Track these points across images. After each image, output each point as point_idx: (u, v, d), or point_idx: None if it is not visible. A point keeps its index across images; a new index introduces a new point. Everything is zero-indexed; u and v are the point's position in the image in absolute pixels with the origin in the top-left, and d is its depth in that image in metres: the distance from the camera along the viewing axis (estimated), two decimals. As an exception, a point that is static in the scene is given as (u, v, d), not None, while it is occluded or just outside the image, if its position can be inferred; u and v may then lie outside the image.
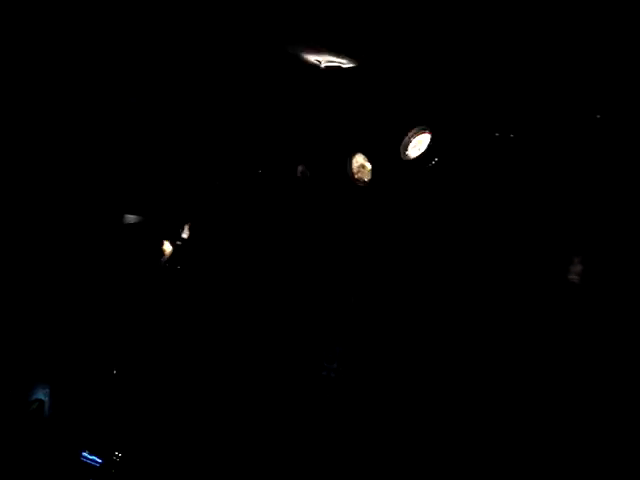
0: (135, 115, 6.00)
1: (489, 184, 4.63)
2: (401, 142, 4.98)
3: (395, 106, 5.10)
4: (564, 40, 4.01)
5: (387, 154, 5.05)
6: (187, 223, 6.67)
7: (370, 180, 5.30)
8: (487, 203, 4.67)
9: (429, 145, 4.88)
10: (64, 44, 5.10)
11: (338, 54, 4.75)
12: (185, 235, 6.74)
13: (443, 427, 4.75)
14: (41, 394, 6.48)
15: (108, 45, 5.10)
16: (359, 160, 5.36)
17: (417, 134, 4.95)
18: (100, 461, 6.14)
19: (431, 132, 4.87)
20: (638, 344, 3.80)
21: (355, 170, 5.37)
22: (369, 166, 5.30)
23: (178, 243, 6.77)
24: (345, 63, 4.87)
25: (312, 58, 4.81)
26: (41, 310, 6.70)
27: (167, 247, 6.76)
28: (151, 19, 4.64)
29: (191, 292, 6.63)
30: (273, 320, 6.05)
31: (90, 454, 6.15)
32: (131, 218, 7.01)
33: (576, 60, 4.09)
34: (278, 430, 5.84)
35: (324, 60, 4.83)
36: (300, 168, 5.81)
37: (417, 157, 4.96)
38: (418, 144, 4.99)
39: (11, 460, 6.08)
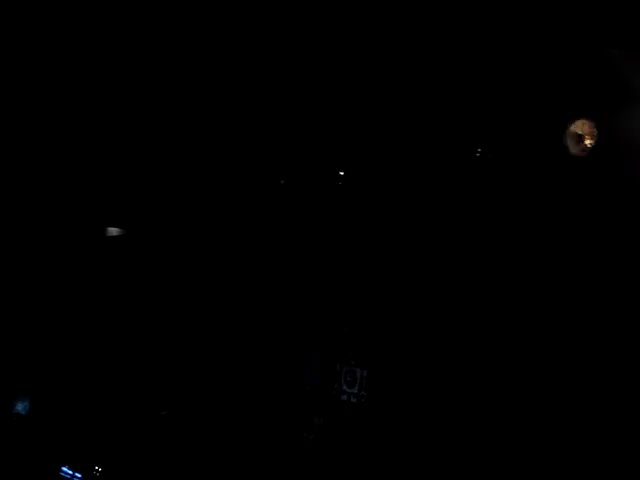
0: (121, 127, 5.99)
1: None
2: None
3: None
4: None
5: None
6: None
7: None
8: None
9: None
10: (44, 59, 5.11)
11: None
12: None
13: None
14: (20, 408, 6.39)
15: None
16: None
17: None
18: (80, 476, 6.06)
19: None
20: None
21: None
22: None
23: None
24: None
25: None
26: (20, 322, 6.63)
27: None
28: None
29: (172, 307, 6.60)
30: (259, 335, 6.05)
31: (70, 469, 6.06)
32: (114, 231, 6.96)
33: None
34: (259, 444, 5.83)
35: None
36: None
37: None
38: None
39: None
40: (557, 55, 4.13)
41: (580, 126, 4.12)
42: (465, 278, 4.76)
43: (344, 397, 5.42)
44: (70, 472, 6.06)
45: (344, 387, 5.43)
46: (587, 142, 4.11)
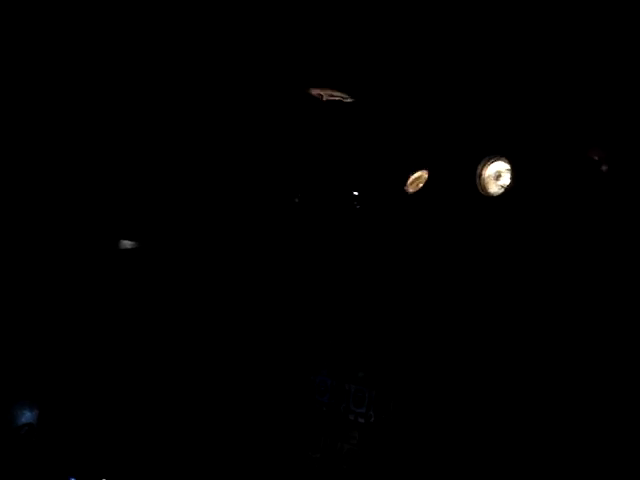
0: (133, 137, 6.01)
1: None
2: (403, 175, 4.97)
3: (395, 142, 5.15)
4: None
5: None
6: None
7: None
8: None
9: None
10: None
11: (340, 89, 4.79)
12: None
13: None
14: (30, 418, 6.40)
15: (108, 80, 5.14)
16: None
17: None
18: (87, 488, 6.06)
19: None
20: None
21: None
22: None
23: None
24: (346, 98, 4.91)
25: (315, 92, 4.83)
26: (31, 333, 6.66)
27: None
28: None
29: (182, 321, 6.61)
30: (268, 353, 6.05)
31: (77, 481, 6.07)
32: (127, 244, 6.99)
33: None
34: (265, 462, 5.82)
35: (326, 94, 4.87)
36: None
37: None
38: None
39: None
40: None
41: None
42: (470, 298, 4.75)
43: (351, 417, 5.39)
44: (77, 484, 6.06)
45: (352, 406, 5.40)
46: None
